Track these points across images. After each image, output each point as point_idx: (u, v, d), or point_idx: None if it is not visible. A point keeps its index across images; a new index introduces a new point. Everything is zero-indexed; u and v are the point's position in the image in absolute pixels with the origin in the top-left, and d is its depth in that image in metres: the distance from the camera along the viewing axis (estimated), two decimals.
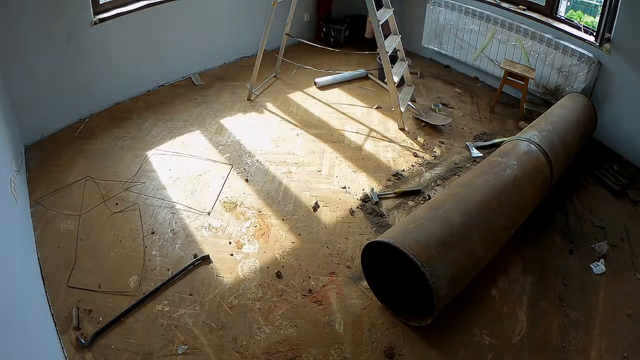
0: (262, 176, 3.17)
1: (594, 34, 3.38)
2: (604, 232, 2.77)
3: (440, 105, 4.04)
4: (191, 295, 2.33)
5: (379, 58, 4.17)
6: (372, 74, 4.51)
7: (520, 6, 3.91)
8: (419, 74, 4.54)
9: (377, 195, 3.00)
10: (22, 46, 3.11)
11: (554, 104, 3.37)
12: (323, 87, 4.33)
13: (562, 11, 3.81)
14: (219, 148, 3.44)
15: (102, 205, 2.86)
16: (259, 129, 3.70)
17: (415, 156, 3.41)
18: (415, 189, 3.06)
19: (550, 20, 3.74)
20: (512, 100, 3.99)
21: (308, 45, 4.23)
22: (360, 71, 4.52)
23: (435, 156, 3.42)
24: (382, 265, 2.30)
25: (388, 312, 2.27)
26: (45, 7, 3.15)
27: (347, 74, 4.45)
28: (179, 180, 3.11)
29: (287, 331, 2.18)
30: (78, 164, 3.20)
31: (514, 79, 3.77)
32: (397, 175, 3.21)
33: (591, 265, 2.54)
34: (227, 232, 2.72)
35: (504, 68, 3.78)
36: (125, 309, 2.22)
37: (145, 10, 3.76)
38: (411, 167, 3.31)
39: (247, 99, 4.09)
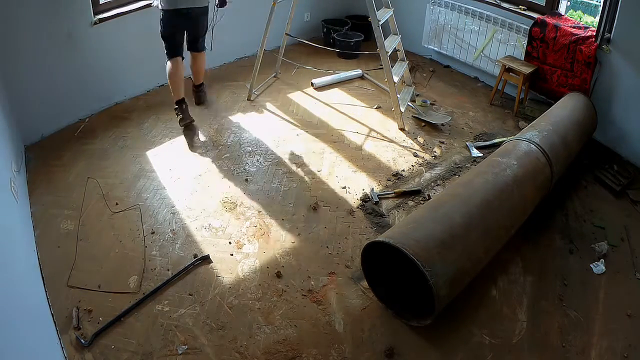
0: (262, 176, 3.17)
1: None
2: (604, 232, 2.76)
3: (428, 102, 4.05)
4: (191, 295, 2.33)
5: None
6: (368, 74, 4.51)
7: (520, 6, 3.92)
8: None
9: (377, 195, 3.00)
10: (22, 46, 3.11)
11: (554, 104, 3.37)
12: (320, 88, 4.33)
13: (562, 11, 3.81)
14: (219, 148, 3.44)
15: (102, 205, 2.86)
16: (259, 129, 3.70)
17: (415, 156, 3.41)
18: (415, 189, 3.06)
19: None
20: (512, 103, 3.98)
21: (308, 45, 4.23)
22: (356, 71, 4.52)
23: (435, 156, 3.42)
24: (382, 265, 2.30)
25: (388, 312, 2.27)
26: (45, 7, 3.15)
27: (343, 74, 4.45)
28: (179, 180, 3.11)
29: (287, 331, 2.18)
30: (78, 164, 3.20)
31: (511, 74, 3.83)
32: (397, 175, 3.21)
33: (591, 265, 2.54)
34: (227, 232, 2.72)
35: (502, 62, 3.85)
36: (125, 309, 2.22)
37: (145, 10, 3.76)
38: (411, 167, 3.31)
39: (247, 99, 4.09)
